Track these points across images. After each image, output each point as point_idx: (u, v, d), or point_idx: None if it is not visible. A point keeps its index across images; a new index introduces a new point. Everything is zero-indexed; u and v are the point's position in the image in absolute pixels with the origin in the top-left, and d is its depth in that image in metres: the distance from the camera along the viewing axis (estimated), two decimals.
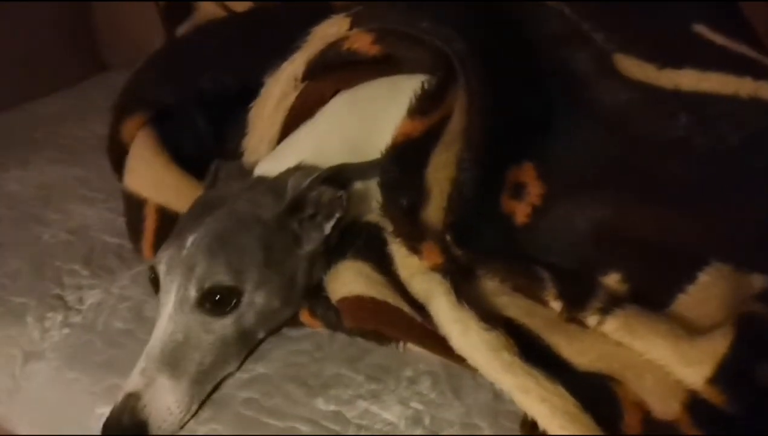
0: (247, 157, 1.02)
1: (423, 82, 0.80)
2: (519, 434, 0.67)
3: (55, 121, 1.60)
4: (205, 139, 1.13)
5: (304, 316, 0.86)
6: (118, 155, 1.13)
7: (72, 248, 1.12)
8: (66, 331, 0.97)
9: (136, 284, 1.01)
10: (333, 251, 0.86)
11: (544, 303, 0.73)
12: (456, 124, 0.79)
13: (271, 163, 0.92)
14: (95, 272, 1.06)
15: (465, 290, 0.74)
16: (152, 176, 1.04)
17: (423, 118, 0.78)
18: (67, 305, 1.01)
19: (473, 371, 0.73)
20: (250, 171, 0.94)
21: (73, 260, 1.08)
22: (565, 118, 0.85)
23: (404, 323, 0.76)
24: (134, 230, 1.03)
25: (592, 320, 0.70)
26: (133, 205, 1.04)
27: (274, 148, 0.98)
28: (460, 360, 0.72)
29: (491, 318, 0.70)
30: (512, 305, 0.74)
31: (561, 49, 0.90)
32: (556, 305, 0.72)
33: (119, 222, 1.13)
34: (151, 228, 1.00)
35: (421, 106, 0.78)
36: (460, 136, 0.79)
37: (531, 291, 0.74)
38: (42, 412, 0.93)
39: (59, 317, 0.99)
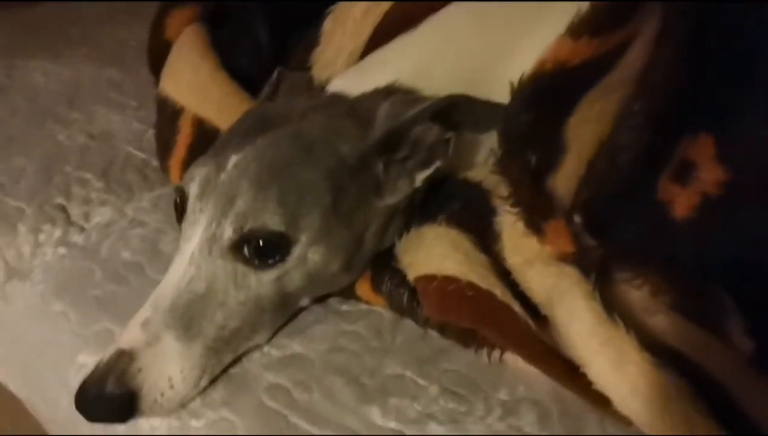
0: (317, 73, 0.74)
1: None
2: None
3: (98, 21, 1.39)
4: (264, 53, 0.87)
5: (364, 288, 0.59)
6: (158, 54, 0.89)
7: (88, 154, 0.90)
8: (62, 251, 0.75)
9: (156, 209, 0.78)
10: (416, 210, 0.60)
11: (726, 340, 0.46)
12: (633, 60, 0.52)
13: (351, 80, 0.64)
14: (110, 187, 0.83)
15: (610, 297, 0.47)
16: (194, 82, 0.78)
17: (592, 41, 0.49)
18: (69, 218, 0.79)
19: (601, 409, 0.47)
20: (322, 88, 0.67)
21: (87, 168, 0.86)
22: None
23: (513, 327, 0.49)
24: (164, 143, 0.79)
25: None
26: (167, 114, 0.79)
27: (355, 63, 0.71)
28: (590, 396, 0.46)
29: (657, 348, 0.43)
30: (675, 332, 0.47)
31: None
32: (744, 344, 0.46)
33: (149, 135, 0.91)
34: (185, 144, 0.75)
35: (596, 21, 0.49)
36: (633, 79, 0.51)
37: (703, 317, 0.47)
38: (14, 345, 0.71)
39: (57, 233, 0.77)
